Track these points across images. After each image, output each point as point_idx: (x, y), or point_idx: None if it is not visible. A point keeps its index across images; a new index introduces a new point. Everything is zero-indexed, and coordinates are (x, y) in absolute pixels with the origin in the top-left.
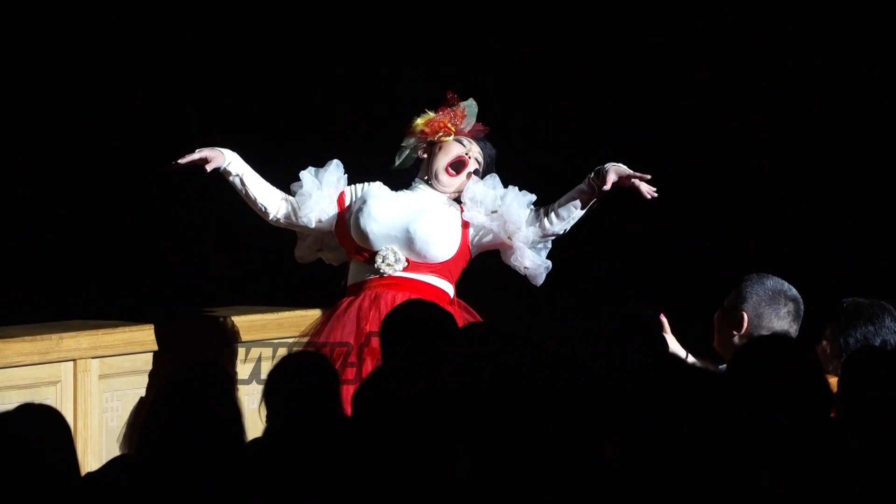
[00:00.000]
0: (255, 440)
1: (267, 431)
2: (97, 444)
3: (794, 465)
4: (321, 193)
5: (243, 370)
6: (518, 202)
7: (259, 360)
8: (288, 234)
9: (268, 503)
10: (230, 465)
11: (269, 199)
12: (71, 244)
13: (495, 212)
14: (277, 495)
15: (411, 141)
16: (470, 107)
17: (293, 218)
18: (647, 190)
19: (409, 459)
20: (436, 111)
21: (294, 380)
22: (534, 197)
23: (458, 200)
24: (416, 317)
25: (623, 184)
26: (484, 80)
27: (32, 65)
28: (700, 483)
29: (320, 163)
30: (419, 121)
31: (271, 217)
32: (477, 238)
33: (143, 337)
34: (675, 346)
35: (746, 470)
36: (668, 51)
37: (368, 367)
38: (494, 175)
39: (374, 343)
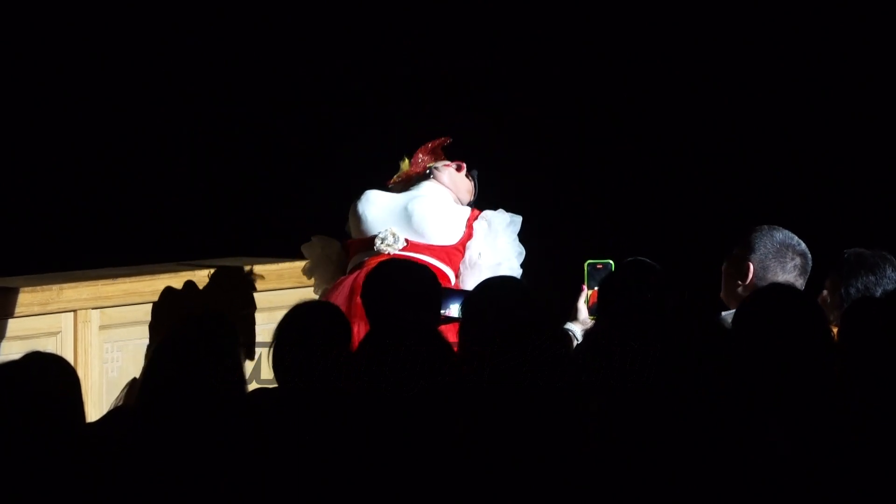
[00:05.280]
0: (258, 390)
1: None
2: (97, 394)
3: (797, 415)
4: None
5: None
6: (505, 269)
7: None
8: (291, 188)
9: (270, 454)
10: (229, 415)
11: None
12: (71, 195)
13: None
14: (280, 446)
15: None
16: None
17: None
18: None
19: (407, 413)
20: (412, 156)
21: (303, 329)
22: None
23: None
24: (395, 275)
25: None
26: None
27: (37, 21)
28: (706, 434)
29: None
30: (403, 165)
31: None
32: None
33: (144, 288)
34: (583, 314)
35: (751, 420)
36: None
37: None
38: (517, 221)
39: None
